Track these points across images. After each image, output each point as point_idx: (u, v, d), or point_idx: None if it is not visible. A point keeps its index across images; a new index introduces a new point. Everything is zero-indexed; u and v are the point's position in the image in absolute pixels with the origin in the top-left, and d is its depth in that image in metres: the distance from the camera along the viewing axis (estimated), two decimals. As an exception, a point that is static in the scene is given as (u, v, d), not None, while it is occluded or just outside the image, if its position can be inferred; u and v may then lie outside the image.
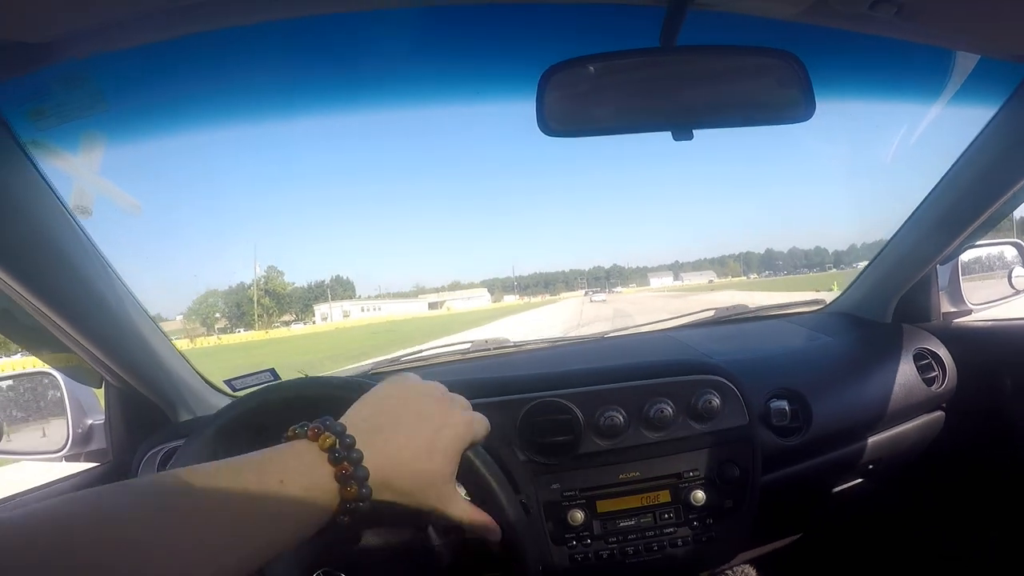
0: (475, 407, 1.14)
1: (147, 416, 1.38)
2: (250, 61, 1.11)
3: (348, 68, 1.21)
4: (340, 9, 0.90)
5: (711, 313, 1.94)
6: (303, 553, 0.85)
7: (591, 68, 0.91)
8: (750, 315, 1.94)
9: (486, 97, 1.29)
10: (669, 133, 0.95)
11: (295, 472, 0.55)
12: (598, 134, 0.97)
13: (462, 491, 0.77)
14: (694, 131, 0.94)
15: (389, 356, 1.67)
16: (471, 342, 1.72)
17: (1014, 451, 1.53)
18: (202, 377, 1.51)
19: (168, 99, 1.19)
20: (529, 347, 1.71)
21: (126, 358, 1.25)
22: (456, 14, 1.05)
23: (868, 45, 1.13)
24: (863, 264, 1.87)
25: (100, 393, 1.37)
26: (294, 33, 1.02)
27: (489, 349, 1.68)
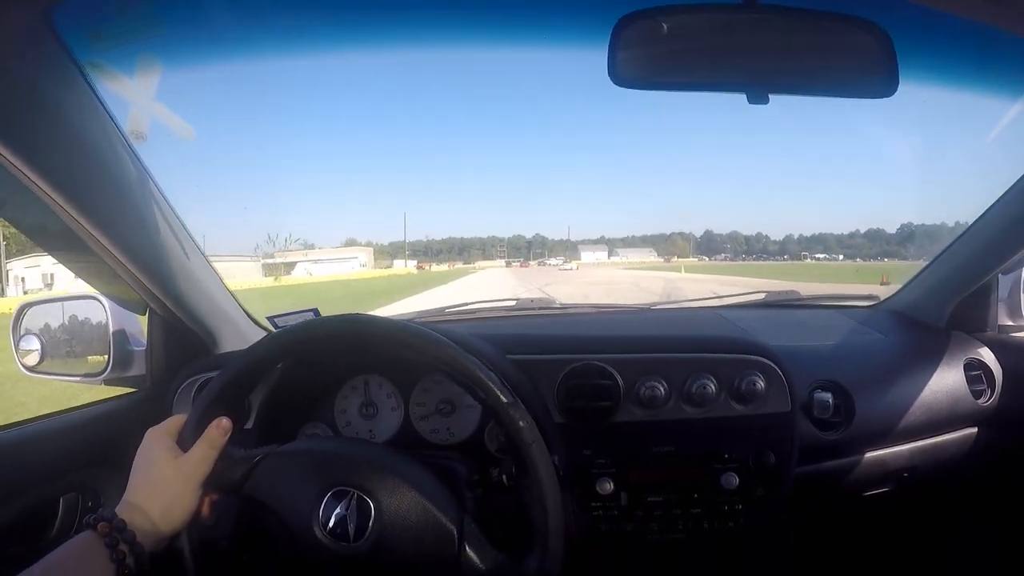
0: (516, 363, 1.14)
1: (187, 346, 1.39)
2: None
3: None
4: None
5: (762, 295, 1.90)
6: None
7: (668, 21, 0.88)
8: (802, 302, 1.90)
9: (549, 43, 1.25)
10: (743, 95, 0.91)
11: (79, 565, 0.72)
12: (671, 89, 0.94)
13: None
14: (770, 96, 0.90)
15: (435, 307, 1.67)
16: (517, 299, 1.71)
17: None
18: (245, 312, 1.53)
19: (222, 26, 1.17)
20: (575, 310, 1.69)
21: (171, 287, 1.26)
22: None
23: (961, 27, 1.08)
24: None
25: (144, 320, 1.38)
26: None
27: (534, 308, 1.66)
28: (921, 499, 1.67)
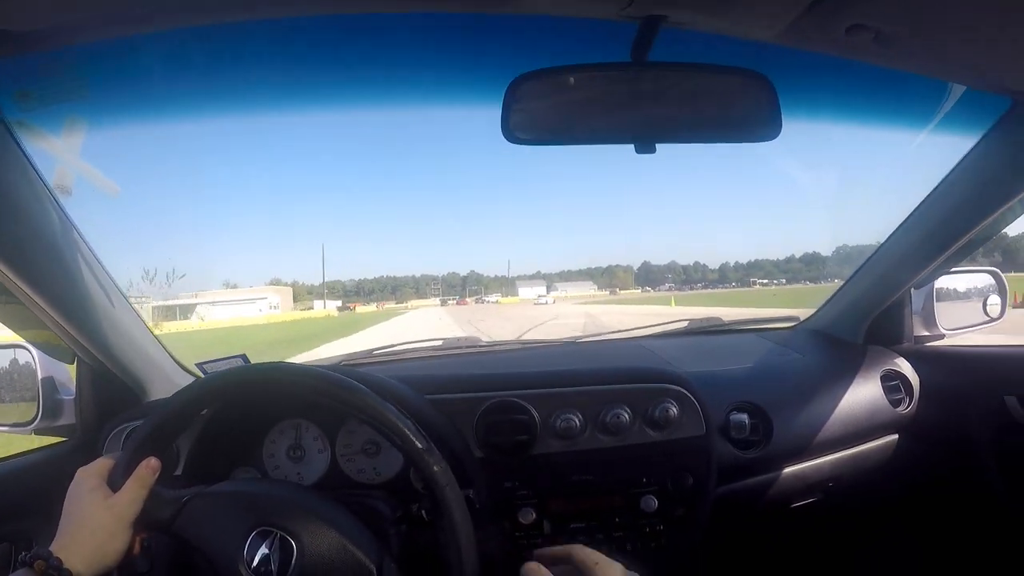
0: (435, 403, 1.18)
1: (117, 394, 1.40)
2: (227, 58, 1.14)
3: (317, 69, 1.23)
4: (311, 11, 0.92)
5: (684, 324, 1.96)
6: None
7: (559, 79, 0.93)
8: (722, 328, 1.96)
9: (450, 102, 1.31)
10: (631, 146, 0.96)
11: None
12: (562, 143, 0.99)
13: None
14: (657, 145, 0.96)
15: (363, 349, 1.69)
16: (444, 340, 1.74)
17: (975, 476, 1.55)
18: (174, 359, 1.53)
19: (148, 90, 1.22)
20: (500, 348, 1.73)
21: (98, 336, 1.27)
22: (428, 20, 1.07)
23: (847, 69, 1.15)
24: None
25: (72, 369, 1.38)
26: (274, 32, 1.04)
27: (461, 348, 1.69)
28: (849, 506, 1.74)
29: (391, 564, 0.87)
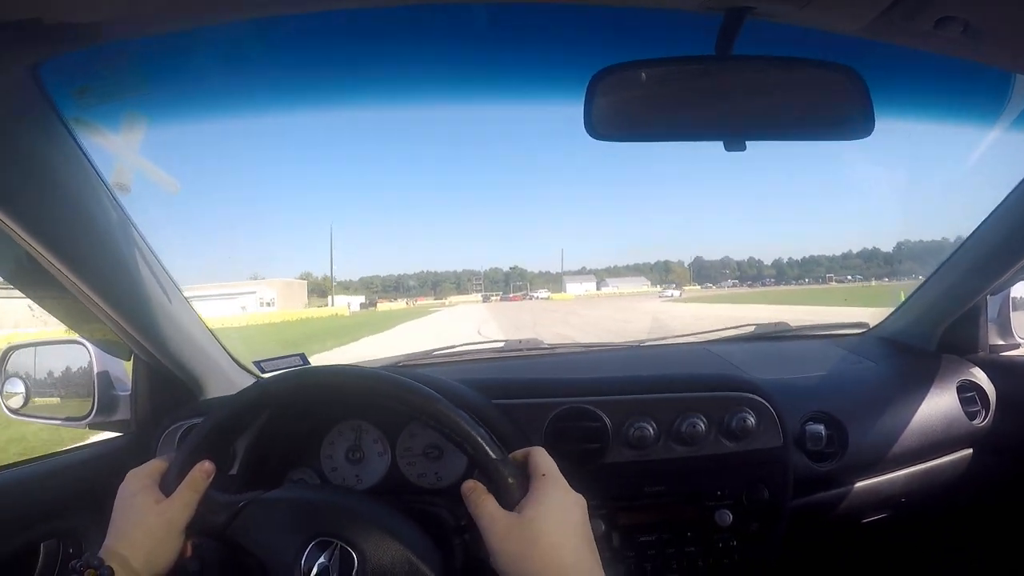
0: (503, 408, 1.13)
1: (173, 391, 1.38)
2: (286, 52, 1.12)
3: (387, 63, 1.20)
4: (377, 4, 0.89)
5: (752, 328, 1.90)
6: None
7: (643, 73, 0.88)
8: (792, 334, 1.90)
9: (524, 97, 1.26)
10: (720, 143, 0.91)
11: None
12: (647, 140, 0.94)
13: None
14: (747, 143, 0.90)
15: (422, 350, 1.66)
16: (505, 341, 1.70)
17: None
18: (231, 357, 1.52)
19: (207, 86, 1.20)
20: (562, 350, 1.69)
21: (155, 334, 1.26)
22: (505, 11, 1.04)
23: (933, 63, 1.09)
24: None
25: (129, 365, 1.38)
26: (336, 25, 1.01)
27: (523, 350, 1.65)
28: (921, 523, 1.67)
29: None
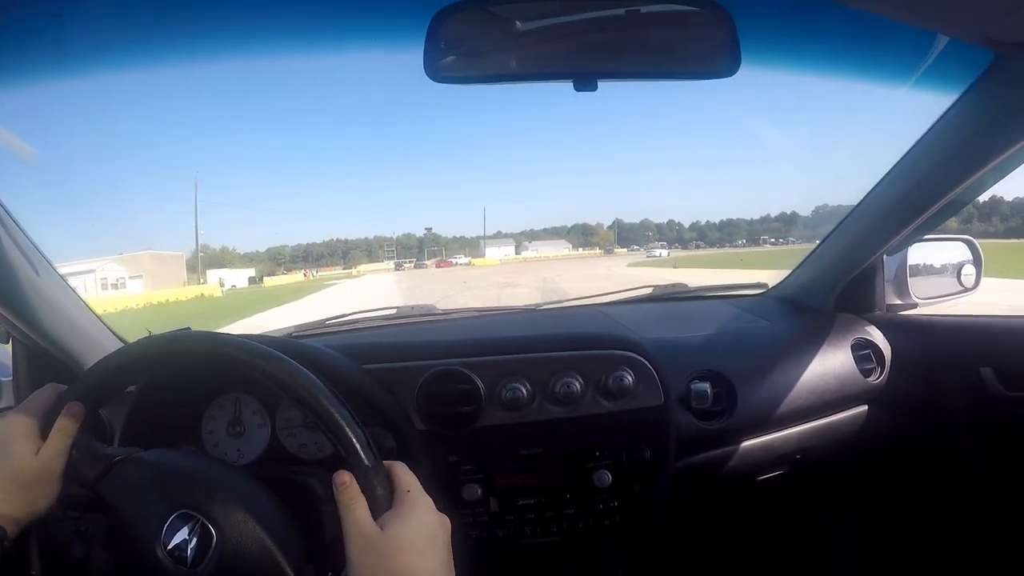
0: (374, 373, 1.09)
1: (56, 375, 1.29)
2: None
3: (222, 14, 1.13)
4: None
5: (649, 290, 1.89)
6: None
7: (487, 9, 0.84)
8: (689, 295, 1.90)
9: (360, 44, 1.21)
10: (570, 83, 0.87)
11: None
12: (491, 82, 0.90)
13: None
14: (599, 82, 0.87)
15: (314, 319, 1.61)
16: (396, 308, 1.66)
17: (949, 449, 1.50)
18: (114, 333, 1.44)
19: (51, 43, 1.12)
20: (457, 316, 1.65)
21: (27, 311, 1.18)
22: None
23: (825, 14, 1.07)
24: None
25: (9, 348, 1.30)
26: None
27: (416, 316, 1.61)
28: (817, 479, 1.69)
29: (311, 569, 0.80)
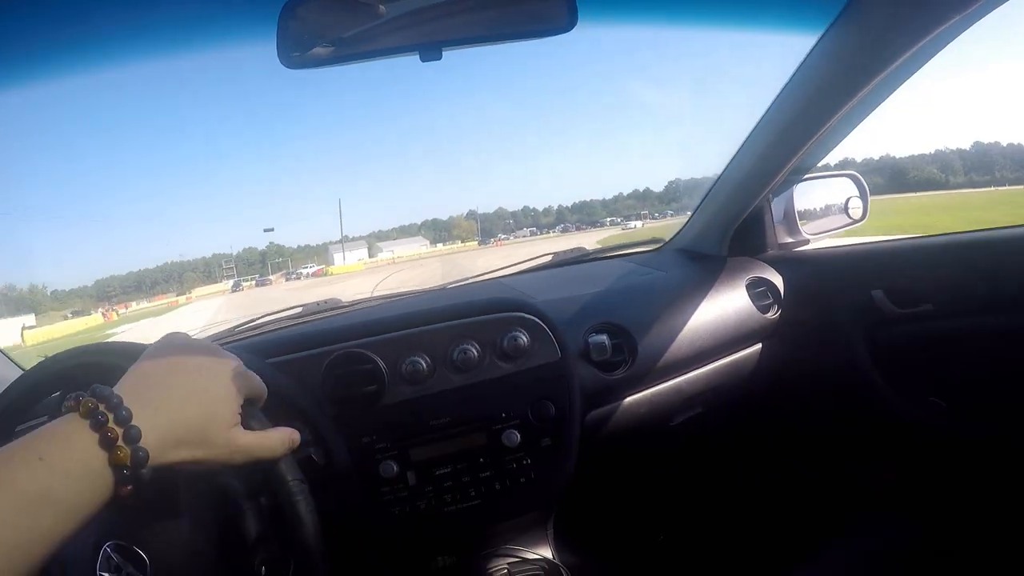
0: (276, 365, 1.10)
1: None
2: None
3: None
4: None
5: (549, 258, 1.93)
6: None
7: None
8: (587, 257, 1.94)
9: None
10: (417, 57, 0.90)
11: (55, 445, 0.52)
12: (342, 63, 0.91)
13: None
14: (443, 51, 0.89)
15: (226, 327, 1.59)
16: (303, 306, 1.66)
17: (850, 368, 1.58)
18: (12, 361, 1.41)
19: None
20: (363, 304, 1.66)
21: None
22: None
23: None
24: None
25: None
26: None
27: (322, 310, 1.62)
28: (731, 415, 1.78)
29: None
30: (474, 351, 1.18)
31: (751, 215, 1.71)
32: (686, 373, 1.49)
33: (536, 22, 0.93)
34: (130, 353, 0.83)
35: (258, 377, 0.73)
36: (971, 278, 1.38)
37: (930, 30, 1.15)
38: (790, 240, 1.79)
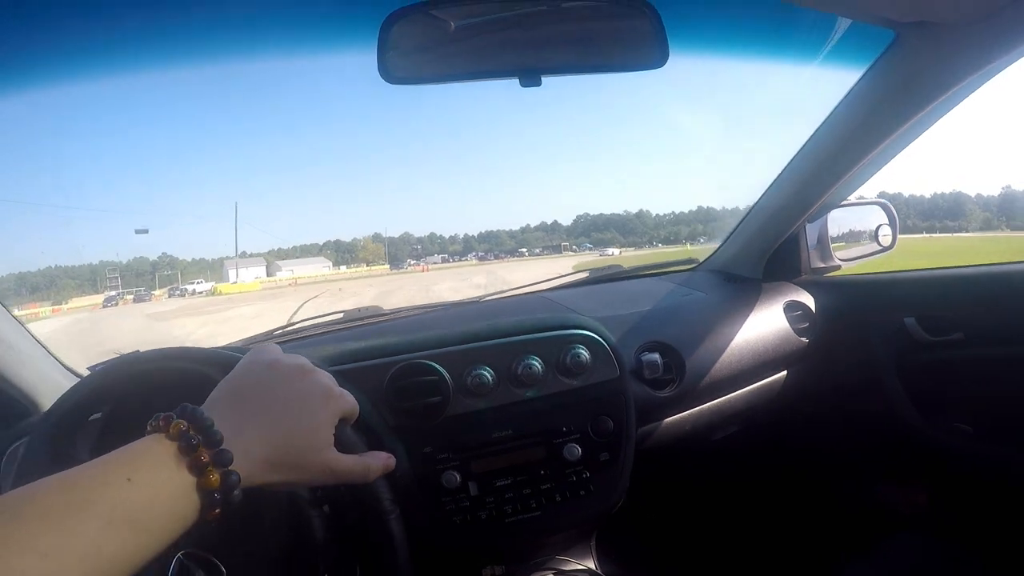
0: (338, 374, 1.12)
1: (7, 408, 1.27)
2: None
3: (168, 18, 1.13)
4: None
5: (586, 274, 1.97)
6: None
7: (434, 14, 0.89)
8: (624, 274, 1.98)
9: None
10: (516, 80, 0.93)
11: (144, 468, 0.51)
12: (443, 81, 0.95)
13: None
14: (543, 78, 0.93)
15: (263, 331, 1.61)
16: (344, 312, 1.68)
17: (880, 392, 1.64)
18: (61, 363, 1.41)
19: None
20: (405, 314, 1.68)
21: None
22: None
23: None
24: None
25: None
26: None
27: (363, 319, 1.64)
28: (767, 432, 1.83)
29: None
30: (538, 366, 1.21)
31: (787, 240, 1.76)
32: (728, 392, 1.53)
33: (632, 57, 0.97)
34: (218, 363, 0.84)
35: (351, 395, 0.73)
36: (1002, 309, 1.44)
37: (971, 72, 1.20)
38: (822, 265, 1.83)
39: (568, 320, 1.30)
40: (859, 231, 1.91)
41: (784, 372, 1.65)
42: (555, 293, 1.82)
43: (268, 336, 1.56)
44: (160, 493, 0.51)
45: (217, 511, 0.54)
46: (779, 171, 1.68)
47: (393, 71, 0.89)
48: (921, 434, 1.58)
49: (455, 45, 0.92)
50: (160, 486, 0.51)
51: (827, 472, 1.88)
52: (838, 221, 1.84)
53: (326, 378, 0.70)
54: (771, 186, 1.70)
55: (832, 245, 1.82)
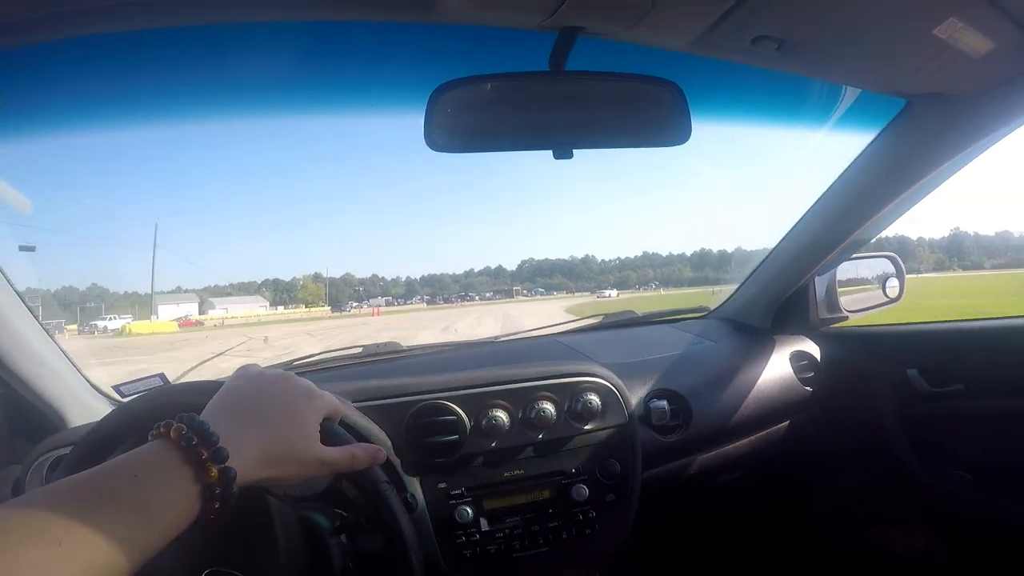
0: (363, 410, 1.18)
1: (35, 423, 1.33)
2: (141, 66, 1.11)
3: (236, 75, 1.21)
4: (232, 19, 0.91)
5: (599, 318, 2.04)
6: (189, 551, 0.84)
7: (481, 88, 0.95)
8: (636, 321, 2.04)
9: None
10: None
11: (148, 466, 0.57)
12: (484, 150, 1.02)
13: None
14: (575, 151, 1.00)
15: (282, 361, 1.67)
16: (362, 347, 1.74)
17: (883, 442, 1.70)
18: (89, 382, 1.47)
19: (60, 100, 1.17)
20: (421, 351, 1.74)
21: (7, 361, 1.22)
22: (349, 28, 1.08)
23: (754, 75, 1.21)
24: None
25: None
26: (186, 39, 1.02)
27: (382, 353, 1.70)
28: (771, 478, 1.88)
29: None
30: (551, 410, 1.28)
31: (795, 292, 1.82)
32: (733, 440, 1.59)
33: (656, 136, 1.04)
34: (207, 391, 0.91)
35: (332, 396, 0.81)
36: (1001, 362, 1.50)
37: (978, 138, 1.27)
38: (830, 316, 1.88)
39: (581, 367, 1.36)
40: (865, 278, 1.96)
41: (789, 420, 1.70)
42: (568, 338, 1.88)
43: (287, 366, 1.60)
44: (164, 488, 0.57)
45: (217, 505, 0.59)
46: (786, 227, 1.76)
47: (439, 140, 0.95)
48: (921, 480, 1.64)
49: (495, 117, 0.99)
50: (164, 482, 0.57)
51: (828, 515, 1.93)
52: (846, 272, 1.89)
53: (304, 382, 0.78)
54: (781, 241, 1.77)
55: (840, 290, 1.88)
